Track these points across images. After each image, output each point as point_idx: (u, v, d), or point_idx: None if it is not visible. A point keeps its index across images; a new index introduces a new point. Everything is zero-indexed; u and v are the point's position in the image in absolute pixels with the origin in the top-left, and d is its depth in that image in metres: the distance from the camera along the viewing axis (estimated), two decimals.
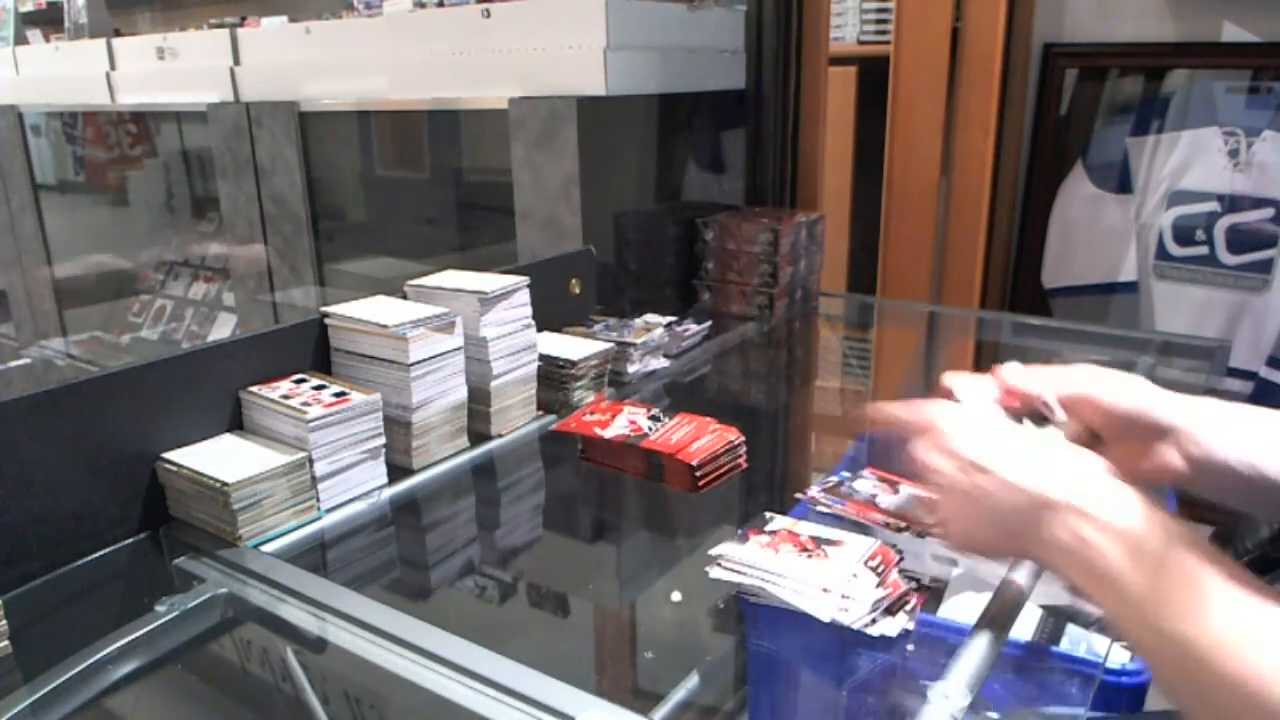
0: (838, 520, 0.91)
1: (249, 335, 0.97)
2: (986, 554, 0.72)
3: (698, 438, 1.01)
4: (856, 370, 1.69)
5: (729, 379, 1.49)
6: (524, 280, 1.12)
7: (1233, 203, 1.80)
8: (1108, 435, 0.75)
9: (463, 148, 1.98)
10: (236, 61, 2.20)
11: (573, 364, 1.16)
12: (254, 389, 0.95)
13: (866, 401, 1.64)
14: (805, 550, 0.78)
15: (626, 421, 1.05)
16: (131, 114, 2.79)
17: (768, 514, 0.86)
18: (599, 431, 1.04)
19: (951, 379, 0.78)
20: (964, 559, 0.96)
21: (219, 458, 0.88)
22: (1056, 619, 0.92)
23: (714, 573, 0.78)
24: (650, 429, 1.03)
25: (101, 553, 0.85)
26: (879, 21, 2.27)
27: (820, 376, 1.66)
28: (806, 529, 0.82)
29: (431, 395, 1.02)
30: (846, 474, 1.02)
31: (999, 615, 0.66)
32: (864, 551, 0.78)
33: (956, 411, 0.73)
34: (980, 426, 0.70)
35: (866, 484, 0.99)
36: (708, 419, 1.05)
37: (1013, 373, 0.77)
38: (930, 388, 0.78)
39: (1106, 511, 0.58)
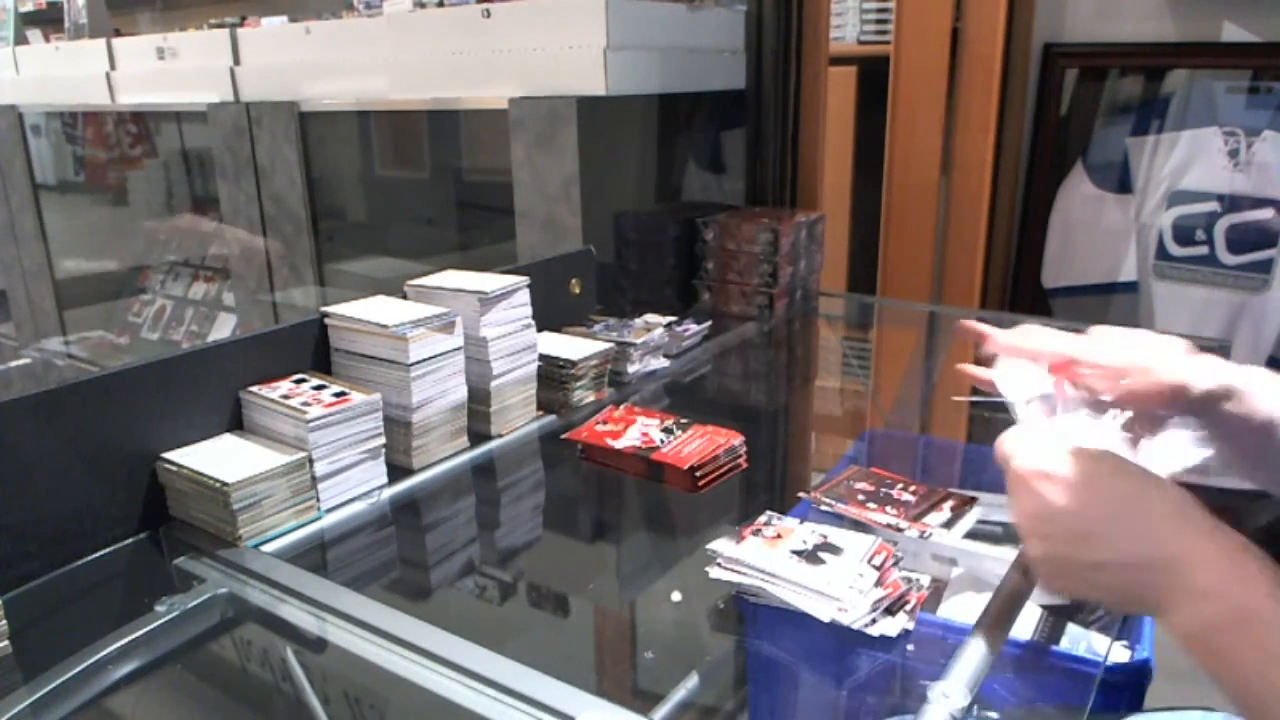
0: (838, 520, 0.91)
1: (249, 335, 0.97)
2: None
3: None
4: (856, 370, 1.69)
5: (729, 379, 1.49)
6: (524, 280, 1.12)
7: (1233, 203, 1.80)
8: (1159, 406, 0.75)
9: (463, 148, 1.98)
10: (236, 61, 2.20)
11: (573, 364, 1.16)
12: (254, 389, 0.95)
13: (867, 401, 1.64)
14: (806, 550, 0.78)
15: (639, 434, 1.05)
16: (131, 114, 2.79)
17: (768, 513, 0.86)
18: (610, 443, 1.03)
19: (999, 374, 0.76)
20: (963, 559, 0.96)
21: (219, 458, 0.88)
22: (1056, 618, 0.92)
23: (714, 572, 0.78)
24: (662, 442, 1.03)
25: (101, 553, 0.85)
26: (879, 21, 2.27)
27: (820, 376, 1.65)
28: (807, 528, 0.82)
29: (431, 395, 1.02)
30: (847, 473, 1.02)
31: (999, 615, 0.66)
32: (865, 551, 0.78)
33: (1039, 451, 0.65)
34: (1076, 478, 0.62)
35: (867, 484, 0.99)
36: (719, 429, 1.04)
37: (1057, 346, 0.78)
38: (930, 388, 0.78)
39: (1215, 587, 0.54)
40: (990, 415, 1.24)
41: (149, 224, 2.43)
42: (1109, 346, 0.79)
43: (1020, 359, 0.82)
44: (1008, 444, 0.66)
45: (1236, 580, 0.54)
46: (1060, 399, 0.77)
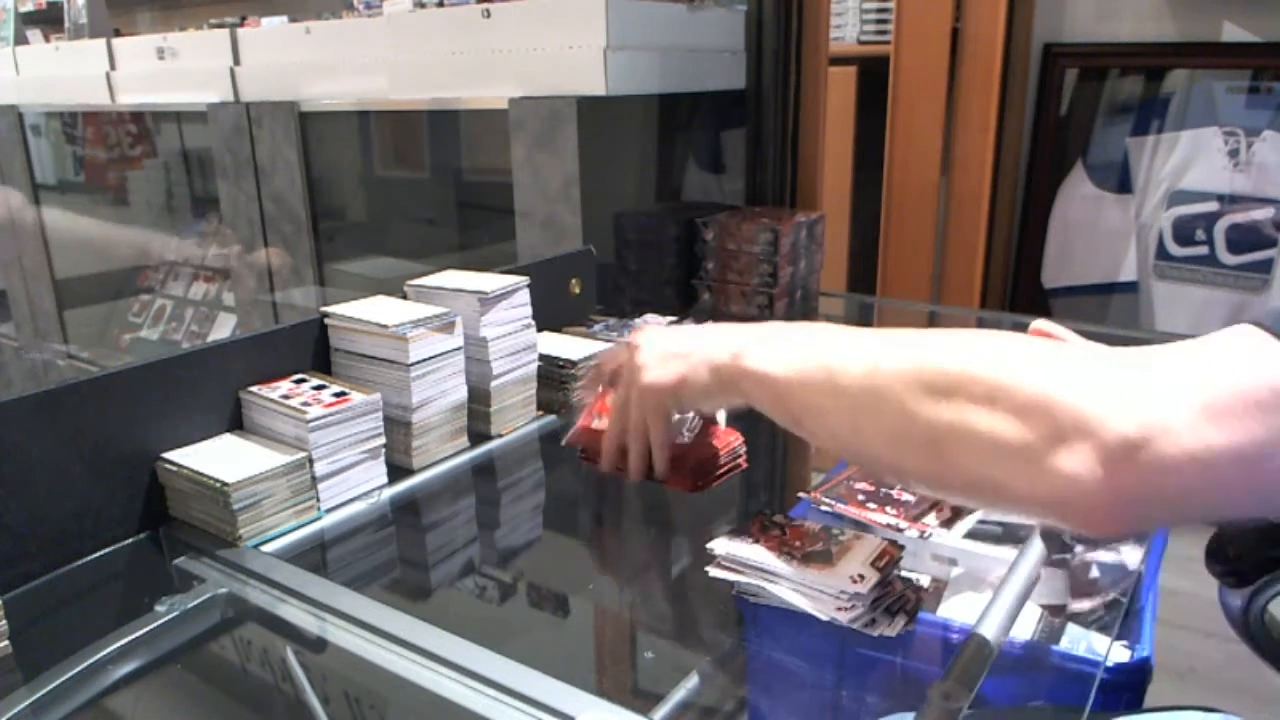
0: (839, 519, 0.91)
1: (249, 335, 0.97)
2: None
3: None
4: None
5: None
6: (524, 280, 1.12)
7: (1233, 202, 1.80)
8: None
9: (463, 148, 1.98)
10: (236, 61, 2.20)
11: (573, 364, 1.16)
12: (254, 389, 0.95)
13: None
14: (807, 549, 0.78)
15: None
16: (131, 114, 2.79)
17: (768, 512, 0.85)
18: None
19: None
20: (963, 559, 0.96)
21: (219, 458, 0.88)
22: (1056, 618, 0.92)
23: (714, 572, 0.78)
24: None
25: (101, 553, 0.85)
26: (879, 21, 2.27)
27: None
28: (808, 528, 0.82)
29: (431, 395, 1.02)
30: (846, 473, 1.02)
31: (999, 615, 0.66)
32: (869, 552, 0.78)
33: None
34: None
35: (867, 484, 0.99)
36: (721, 429, 1.04)
37: None
38: None
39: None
40: None
41: (247, 257, 2.42)
42: None
43: None
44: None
45: (777, 358, 0.68)
46: None
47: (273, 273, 2.25)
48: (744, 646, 0.84)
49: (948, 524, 0.92)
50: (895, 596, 0.74)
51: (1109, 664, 0.82)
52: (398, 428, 1.00)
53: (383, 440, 0.97)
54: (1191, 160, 1.83)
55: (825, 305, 1.77)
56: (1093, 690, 0.72)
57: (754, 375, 0.70)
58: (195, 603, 0.77)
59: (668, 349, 0.80)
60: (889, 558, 0.78)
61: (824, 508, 0.93)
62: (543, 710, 0.63)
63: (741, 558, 0.77)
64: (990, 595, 0.69)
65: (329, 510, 0.93)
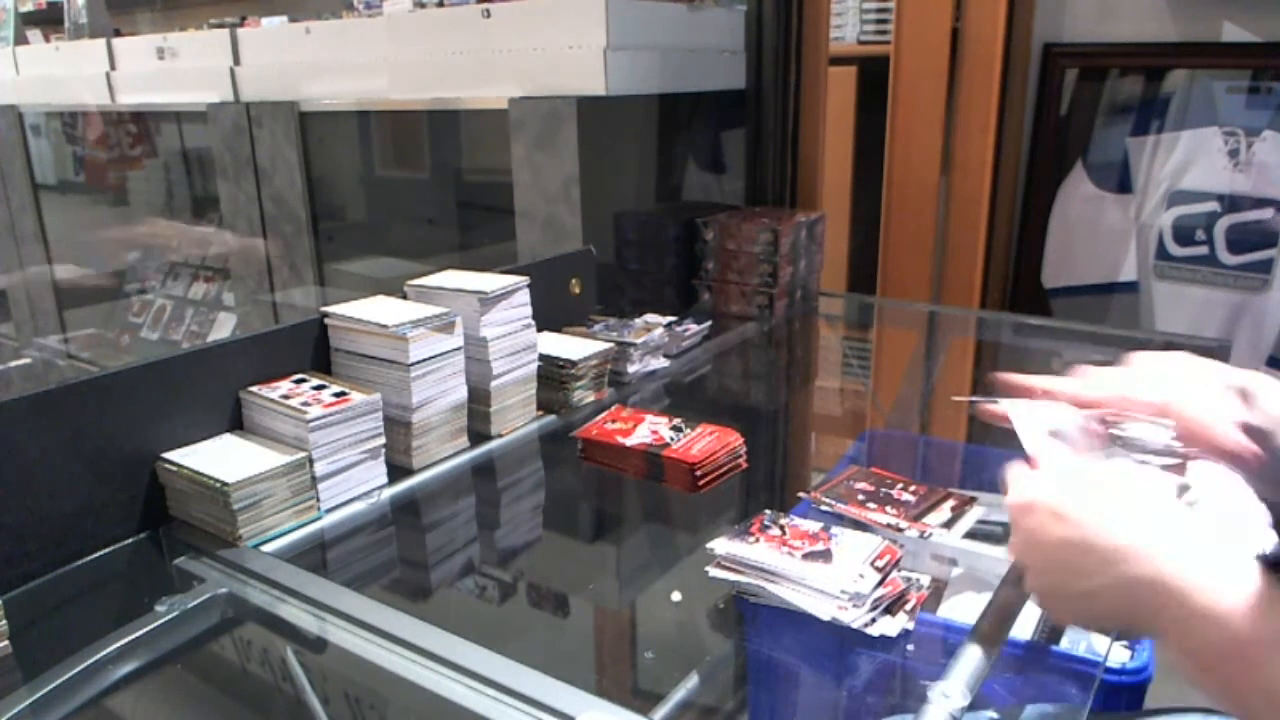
0: (838, 519, 0.91)
1: (249, 335, 0.97)
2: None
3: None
4: (856, 370, 1.69)
5: (729, 379, 1.49)
6: (524, 280, 1.12)
7: (1233, 203, 1.80)
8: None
9: (463, 148, 1.98)
10: (236, 61, 2.20)
11: (573, 364, 1.16)
12: (254, 389, 0.95)
13: (866, 401, 1.64)
14: (807, 549, 0.78)
15: (649, 431, 1.05)
16: (131, 114, 2.79)
17: (768, 512, 0.86)
18: (621, 440, 1.03)
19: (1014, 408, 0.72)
20: (963, 559, 0.96)
21: (219, 458, 0.88)
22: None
23: (714, 572, 0.78)
24: (673, 439, 1.03)
25: (101, 553, 0.85)
26: (879, 21, 2.27)
27: (820, 376, 1.66)
28: (809, 527, 0.82)
29: (431, 395, 1.02)
30: (847, 473, 1.02)
31: (999, 615, 0.66)
32: (870, 552, 0.78)
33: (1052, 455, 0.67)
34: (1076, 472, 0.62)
35: (867, 484, 0.99)
36: (728, 429, 1.04)
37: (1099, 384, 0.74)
38: (930, 388, 0.77)
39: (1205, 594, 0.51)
40: None
41: (115, 233, 2.41)
42: (1143, 383, 0.74)
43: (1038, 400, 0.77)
44: (1009, 478, 0.65)
45: (1235, 606, 0.50)
46: (1085, 438, 0.72)
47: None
48: (744, 646, 0.84)
49: (948, 524, 0.92)
50: (895, 596, 0.74)
51: (1109, 664, 0.82)
52: (398, 428, 1.00)
53: (383, 440, 0.97)
54: (1191, 160, 1.83)
55: (825, 305, 1.77)
56: (1093, 690, 0.72)
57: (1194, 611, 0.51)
58: (195, 603, 0.77)
59: (1070, 582, 0.58)
60: (889, 558, 0.78)
61: (824, 508, 0.93)
62: (543, 710, 0.63)
63: (741, 558, 0.78)
64: (990, 595, 0.69)
65: (329, 510, 0.93)
